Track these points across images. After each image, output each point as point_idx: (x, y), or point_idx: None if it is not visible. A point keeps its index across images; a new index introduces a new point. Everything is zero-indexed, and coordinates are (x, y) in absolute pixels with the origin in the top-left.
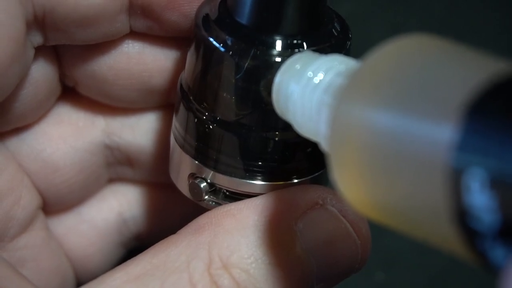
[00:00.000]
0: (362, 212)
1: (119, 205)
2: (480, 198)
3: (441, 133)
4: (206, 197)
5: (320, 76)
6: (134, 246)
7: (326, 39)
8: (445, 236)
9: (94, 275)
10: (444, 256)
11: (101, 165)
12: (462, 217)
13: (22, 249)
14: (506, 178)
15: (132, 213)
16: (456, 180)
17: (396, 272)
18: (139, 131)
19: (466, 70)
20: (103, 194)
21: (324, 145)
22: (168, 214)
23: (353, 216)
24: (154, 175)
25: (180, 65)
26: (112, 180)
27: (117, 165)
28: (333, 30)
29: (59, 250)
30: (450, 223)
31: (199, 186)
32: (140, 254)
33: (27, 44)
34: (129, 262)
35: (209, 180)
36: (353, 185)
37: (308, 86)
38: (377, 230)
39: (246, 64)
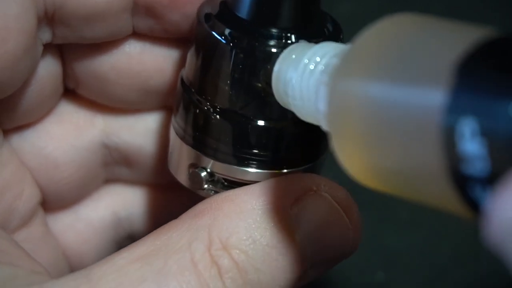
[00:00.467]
0: (363, 181)
1: (114, 204)
2: (471, 146)
3: (433, 90)
4: (206, 186)
5: (316, 60)
6: (127, 245)
7: (319, 35)
8: (440, 189)
9: None
10: (444, 256)
11: (99, 164)
12: (455, 166)
13: (22, 242)
14: (494, 126)
15: (127, 212)
16: (449, 132)
17: (396, 272)
18: (137, 132)
19: (452, 37)
20: (100, 193)
21: (323, 122)
22: (163, 215)
23: (346, 202)
24: (150, 176)
25: (179, 66)
26: (109, 180)
27: (114, 165)
28: (325, 28)
29: (56, 246)
30: (444, 174)
31: (200, 175)
32: (143, 238)
33: (37, 40)
34: (133, 244)
35: (209, 169)
36: (353, 154)
37: (305, 72)
38: (377, 230)
39: (243, 54)
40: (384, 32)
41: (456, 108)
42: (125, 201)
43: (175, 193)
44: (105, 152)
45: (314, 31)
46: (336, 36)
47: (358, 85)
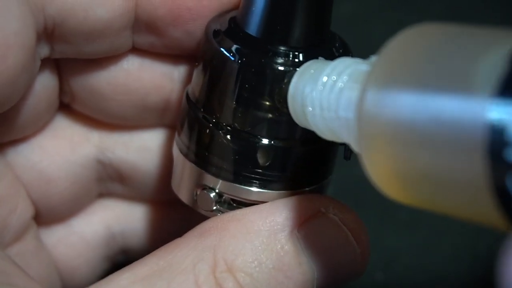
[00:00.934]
0: (391, 190)
1: (108, 219)
2: None
3: (478, 97)
4: (215, 207)
5: (338, 72)
6: (120, 260)
7: (328, 55)
8: (481, 202)
9: (79, 286)
10: (444, 256)
11: (93, 180)
12: (500, 178)
13: (14, 256)
14: None
15: (121, 227)
16: (496, 140)
17: (396, 272)
18: (132, 148)
19: (490, 42)
20: (94, 207)
21: (343, 132)
22: (157, 230)
23: (354, 225)
24: (144, 192)
25: (177, 83)
26: (103, 194)
27: (108, 180)
28: (334, 48)
29: (48, 259)
30: (487, 186)
31: (209, 196)
32: (146, 256)
33: (35, 55)
34: (135, 263)
35: (217, 190)
36: (384, 161)
37: (326, 84)
38: (377, 230)
39: (253, 72)
40: (415, 40)
41: (503, 115)
42: (118, 216)
43: (170, 208)
44: (99, 168)
45: (325, 51)
46: (345, 54)
47: (392, 91)
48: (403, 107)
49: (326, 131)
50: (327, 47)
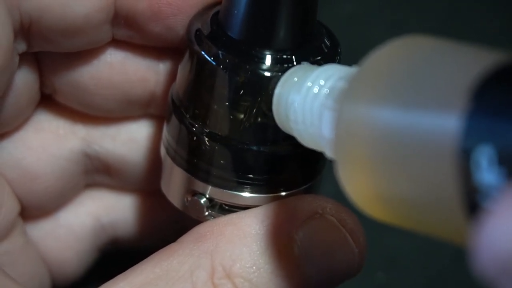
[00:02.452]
0: (370, 211)
1: (96, 210)
2: (489, 176)
3: (447, 116)
4: (207, 213)
5: (321, 83)
6: (109, 250)
7: (316, 53)
8: (454, 221)
9: (69, 279)
10: (444, 256)
11: (80, 173)
12: (472, 196)
13: (2, 255)
14: None
15: (110, 218)
16: (465, 160)
17: (396, 272)
18: (119, 140)
19: (465, 60)
20: (81, 199)
21: (327, 148)
22: (146, 220)
23: (352, 225)
24: (132, 183)
25: (162, 76)
26: (89, 186)
27: (95, 172)
28: (323, 45)
29: (36, 254)
30: (460, 205)
31: (200, 202)
32: (141, 263)
33: (13, 52)
34: (130, 271)
35: (207, 195)
36: (361, 183)
37: (308, 95)
38: (377, 230)
39: (238, 78)
40: (393, 55)
41: (472, 134)
42: (107, 206)
43: (159, 197)
44: (85, 161)
45: (312, 49)
46: (334, 51)
47: (367, 110)
48: (377, 127)
49: (311, 143)
50: (314, 45)
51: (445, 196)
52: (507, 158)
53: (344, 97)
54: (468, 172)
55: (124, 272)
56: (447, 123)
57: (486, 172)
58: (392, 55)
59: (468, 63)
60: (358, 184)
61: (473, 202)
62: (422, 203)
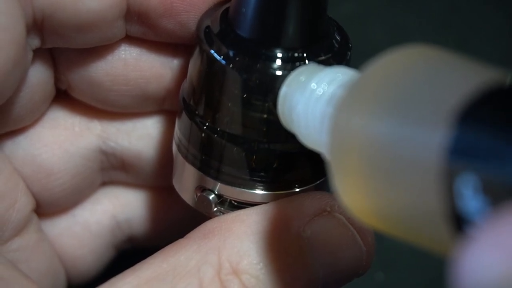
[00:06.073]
0: (361, 219)
1: (112, 207)
2: (473, 203)
3: (433, 138)
4: (215, 209)
5: (324, 87)
6: (126, 248)
7: (327, 51)
8: (441, 241)
9: (85, 276)
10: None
11: (95, 170)
12: (457, 221)
13: (15, 251)
14: (497, 182)
15: (126, 215)
16: (449, 185)
17: (396, 272)
18: (135, 136)
19: (457, 79)
20: (97, 196)
21: (326, 154)
22: (162, 217)
23: (360, 223)
24: (149, 179)
25: (176, 72)
26: (106, 183)
27: (111, 169)
28: (334, 41)
29: (51, 251)
30: (445, 228)
31: (208, 199)
32: (149, 258)
33: (26, 48)
34: (138, 265)
35: (216, 192)
36: (353, 192)
37: (311, 98)
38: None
39: (249, 78)
40: (391, 67)
41: (456, 160)
42: (123, 203)
43: (175, 195)
44: (102, 158)
45: (323, 46)
46: (345, 47)
47: (360, 121)
48: (367, 139)
49: (313, 147)
50: (325, 42)
51: (430, 212)
52: (488, 184)
53: (339, 107)
54: (451, 195)
55: (133, 267)
56: (432, 143)
57: (468, 199)
58: (390, 67)
59: (460, 80)
60: (349, 192)
61: (457, 224)
62: (410, 217)
